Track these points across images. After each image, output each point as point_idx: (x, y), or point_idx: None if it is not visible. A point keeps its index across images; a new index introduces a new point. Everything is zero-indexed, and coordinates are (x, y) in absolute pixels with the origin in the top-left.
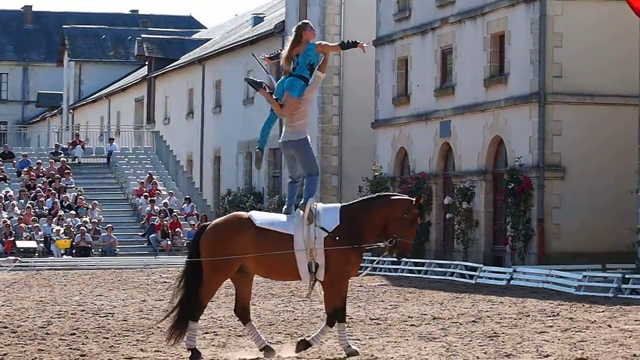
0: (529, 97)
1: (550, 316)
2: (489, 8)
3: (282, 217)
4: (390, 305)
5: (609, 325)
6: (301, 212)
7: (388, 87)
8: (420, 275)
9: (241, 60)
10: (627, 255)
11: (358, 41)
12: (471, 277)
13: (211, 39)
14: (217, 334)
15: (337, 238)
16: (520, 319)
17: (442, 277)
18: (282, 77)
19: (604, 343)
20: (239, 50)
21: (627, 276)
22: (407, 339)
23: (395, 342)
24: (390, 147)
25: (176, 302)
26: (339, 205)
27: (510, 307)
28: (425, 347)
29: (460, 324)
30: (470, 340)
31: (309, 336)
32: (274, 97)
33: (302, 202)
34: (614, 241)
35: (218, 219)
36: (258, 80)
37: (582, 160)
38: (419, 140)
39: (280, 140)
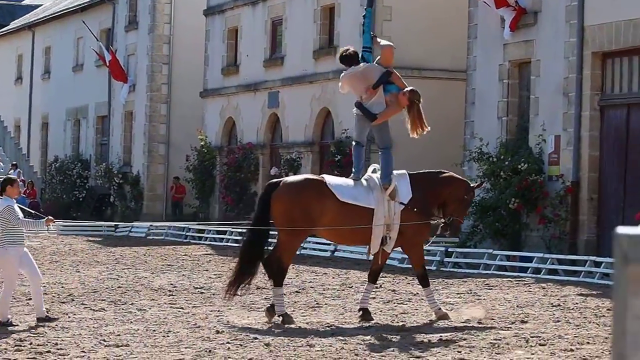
0: None
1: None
2: None
3: (363, 190)
4: (215, 275)
5: None
6: (377, 180)
7: (217, 57)
8: None
9: (71, 27)
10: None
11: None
12: None
13: (42, 5)
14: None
15: (415, 210)
16: (343, 290)
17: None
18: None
19: (425, 315)
20: (69, 17)
21: (449, 250)
22: (230, 308)
23: (219, 311)
24: (219, 117)
25: (240, 259)
26: (405, 172)
27: (333, 278)
28: (248, 317)
29: (284, 294)
30: (294, 311)
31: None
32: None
33: (383, 177)
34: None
35: (292, 180)
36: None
37: (408, 133)
38: (247, 110)
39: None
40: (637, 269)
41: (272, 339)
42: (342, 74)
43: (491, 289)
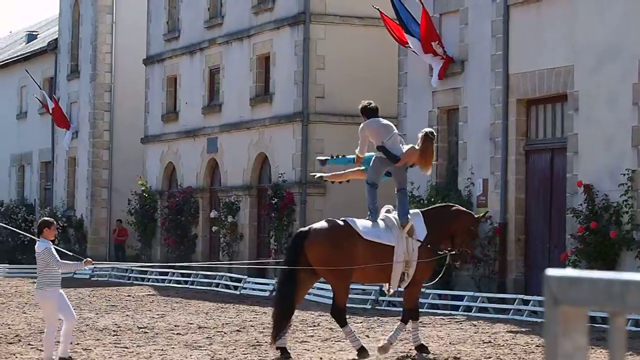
0: (292, 116)
1: (311, 326)
2: (255, 30)
3: (383, 228)
4: (158, 315)
5: (367, 336)
6: (394, 219)
7: (157, 104)
8: (187, 286)
9: (15, 76)
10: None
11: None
12: (236, 288)
13: None
14: None
15: (428, 246)
16: None
17: (208, 288)
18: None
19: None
20: (13, 66)
21: (384, 289)
22: (173, 347)
23: (162, 350)
24: (159, 162)
25: (276, 306)
26: (419, 211)
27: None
28: (190, 355)
29: (225, 333)
30: (235, 349)
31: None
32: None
33: (401, 216)
34: None
35: (320, 226)
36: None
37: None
38: (187, 155)
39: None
40: (566, 310)
41: None
42: (364, 123)
43: (424, 326)
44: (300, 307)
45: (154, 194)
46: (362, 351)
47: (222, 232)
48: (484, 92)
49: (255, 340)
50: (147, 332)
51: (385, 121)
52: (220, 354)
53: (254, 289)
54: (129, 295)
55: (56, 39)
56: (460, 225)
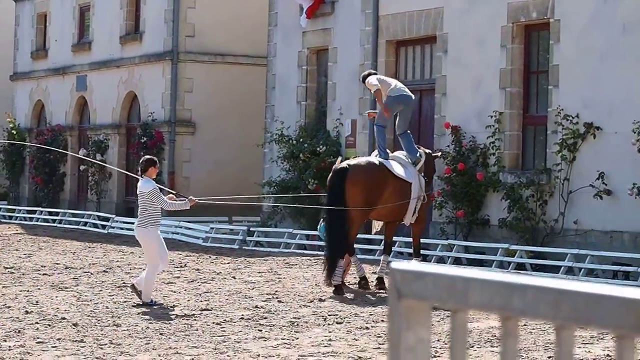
0: (162, 55)
1: (178, 267)
2: None
3: (403, 165)
4: (25, 254)
5: (234, 277)
6: (404, 157)
7: (27, 41)
8: (55, 225)
9: None
10: (252, 209)
11: None
12: (104, 227)
13: None
14: None
15: (427, 182)
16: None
17: (76, 227)
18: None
19: (228, 294)
20: None
21: (252, 229)
22: (39, 288)
23: (28, 290)
24: (28, 100)
25: (329, 246)
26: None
27: (140, 257)
28: (57, 296)
29: (92, 273)
30: (101, 290)
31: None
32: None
33: (413, 153)
34: (240, 194)
35: (358, 163)
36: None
37: (211, 116)
38: (56, 93)
39: (397, 94)
40: (409, 303)
41: (80, 319)
42: (375, 81)
43: (291, 267)
44: (168, 247)
45: (22, 132)
46: (363, 279)
47: (91, 170)
48: (354, 33)
49: (122, 281)
50: (13, 272)
51: (380, 76)
52: (86, 295)
53: (122, 228)
54: None
55: None
56: (430, 164)
